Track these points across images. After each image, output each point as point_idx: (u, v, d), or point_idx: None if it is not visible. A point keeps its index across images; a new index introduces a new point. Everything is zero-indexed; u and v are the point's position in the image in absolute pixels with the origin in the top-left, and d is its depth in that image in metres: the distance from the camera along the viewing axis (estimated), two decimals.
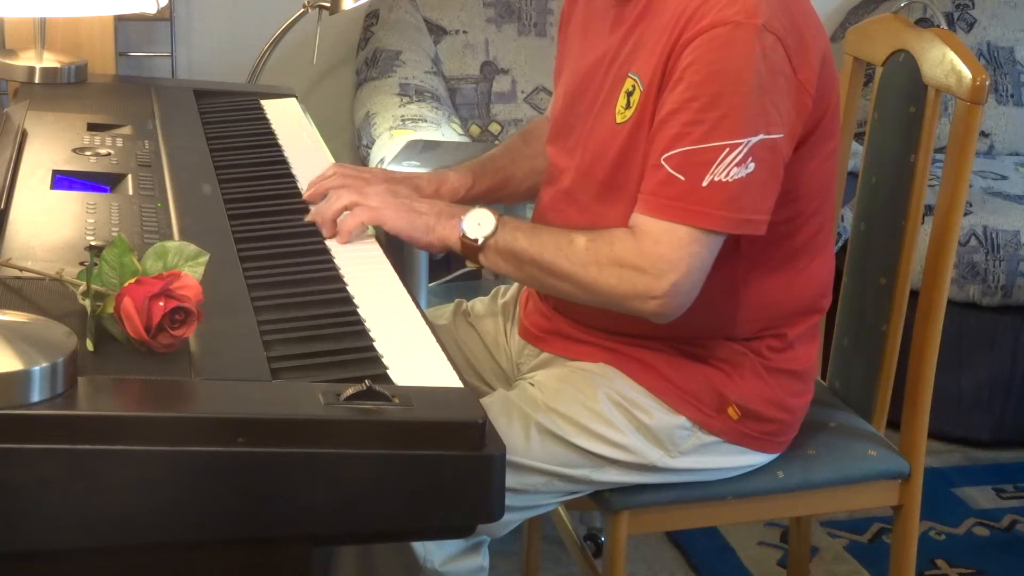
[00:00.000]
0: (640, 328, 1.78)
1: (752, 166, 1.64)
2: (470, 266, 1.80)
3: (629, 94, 1.74)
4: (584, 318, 1.84)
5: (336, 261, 1.68)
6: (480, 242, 1.72)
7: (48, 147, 1.96)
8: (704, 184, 1.63)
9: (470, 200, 1.99)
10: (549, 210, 1.88)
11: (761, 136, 1.64)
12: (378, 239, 1.80)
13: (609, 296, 1.68)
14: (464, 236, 1.73)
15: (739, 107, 1.62)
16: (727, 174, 1.63)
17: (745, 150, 1.63)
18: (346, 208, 1.78)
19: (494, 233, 1.72)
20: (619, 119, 1.74)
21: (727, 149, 1.62)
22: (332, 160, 2.13)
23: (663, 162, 1.65)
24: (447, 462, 1.25)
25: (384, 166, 2.51)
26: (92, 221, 1.66)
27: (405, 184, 1.92)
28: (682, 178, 1.64)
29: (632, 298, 1.66)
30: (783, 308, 1.82)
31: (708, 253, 1.66)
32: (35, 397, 1.17)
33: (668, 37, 1.68)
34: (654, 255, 1.64)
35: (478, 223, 1.73)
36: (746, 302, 1.79)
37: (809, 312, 1.87)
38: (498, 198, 2.05)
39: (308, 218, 1.80)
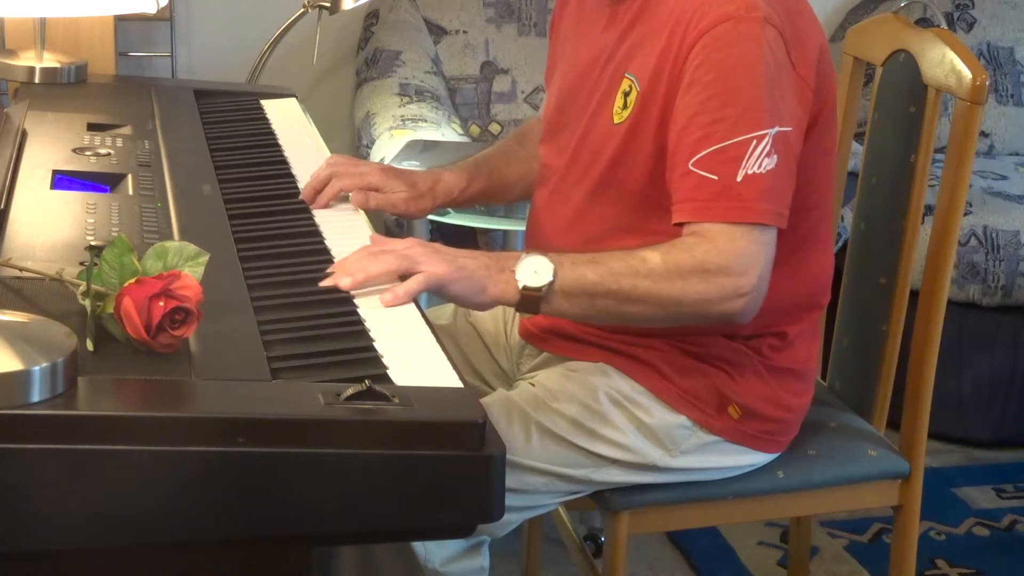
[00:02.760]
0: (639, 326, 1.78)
1: (776, 157, 1.63)
2: (523, 316, 1.66)
3: (626, 95, 1.73)
4: None
5: (336, 262, 1.68)
6: (544, 290, 1.62)
7: (48, 147, 1.96)
8: (739, 179, 1.61)
9: (464, 201, 1.98)
10: (543, 211, 1.88)
11: (777, 128, 1.63)
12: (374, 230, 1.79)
13: (697, 303, 1.62)
14: (525, 288, 1.61)
15: (757, 99, 1.62)
16: (759, 165, 1.61)
17: (770, 140, 1.62)
18: (395, 273, 1.59)
19: (555, 277, 1.62)
20: (616, 119, 1.74)
21: (754, 141, 1.61)
22: None
23: (692, 167, 1.63)
24: (447, 462, 1.24)
25: None
26: (92, 221, 1.66)
27: (402, 179, 1.92)
28: (715, 178, 1.62)
29: (721, 300, 1.62)
30: (783, 304, 1.82)
31: (771, 246, 1.65)
32: (35, 397, 1.17)
33: (667, 39, 1.68)
34: (734, 253, 1.61)
35: (534, 271, 1.61)
36: None
37: (809, 308, 1.87)
38: (491, 200, 2.04)
39: (331, 278, 1.58)
